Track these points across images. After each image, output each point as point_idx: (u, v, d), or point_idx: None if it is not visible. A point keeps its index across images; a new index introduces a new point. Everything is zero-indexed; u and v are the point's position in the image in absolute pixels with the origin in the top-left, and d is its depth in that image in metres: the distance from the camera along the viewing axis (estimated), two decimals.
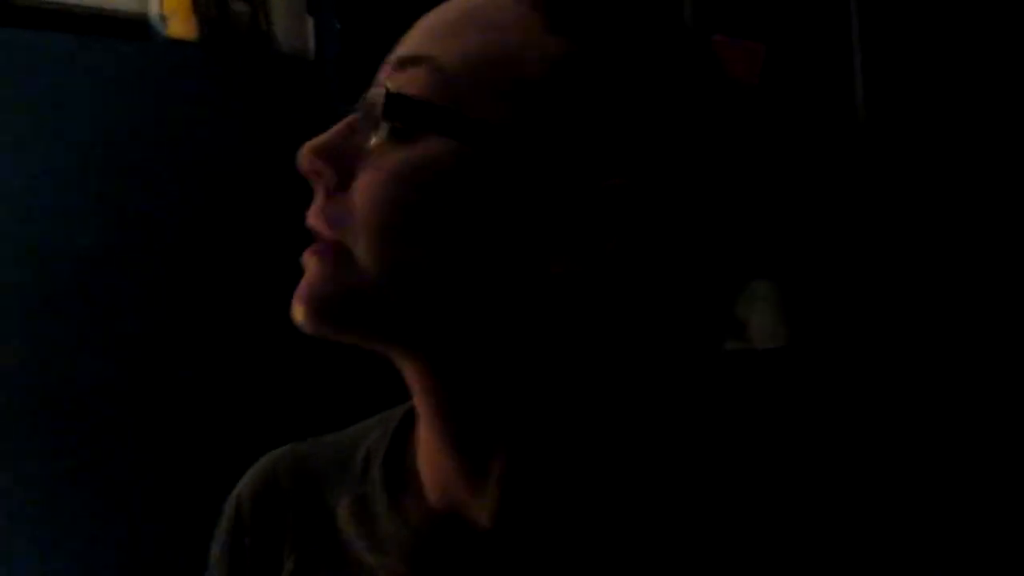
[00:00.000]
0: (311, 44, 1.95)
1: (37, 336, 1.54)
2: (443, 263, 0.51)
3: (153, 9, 1.72)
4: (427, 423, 0.56)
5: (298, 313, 0.53)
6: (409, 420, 0.61)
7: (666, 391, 0.57)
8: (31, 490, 1.51)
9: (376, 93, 0.53)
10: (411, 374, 0.56)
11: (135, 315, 1.63)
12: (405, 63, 0.53)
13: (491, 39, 0.52)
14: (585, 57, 0.52)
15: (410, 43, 0.55)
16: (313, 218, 0.54)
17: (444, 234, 0.51)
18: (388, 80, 0.53)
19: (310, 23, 1.95)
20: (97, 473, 1.57)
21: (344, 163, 0.53)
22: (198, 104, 1.72)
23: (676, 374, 0.57)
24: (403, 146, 0.51)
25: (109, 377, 1.60)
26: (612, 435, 0.56)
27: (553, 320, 0.52)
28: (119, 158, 1.65)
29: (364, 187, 0.52)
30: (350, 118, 0.54)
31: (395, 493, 0.59)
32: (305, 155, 0.53)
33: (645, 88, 0.53)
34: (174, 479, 1.61)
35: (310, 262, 0.54)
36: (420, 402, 0.56)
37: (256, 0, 1.86)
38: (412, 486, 0.58)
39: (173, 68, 1.71)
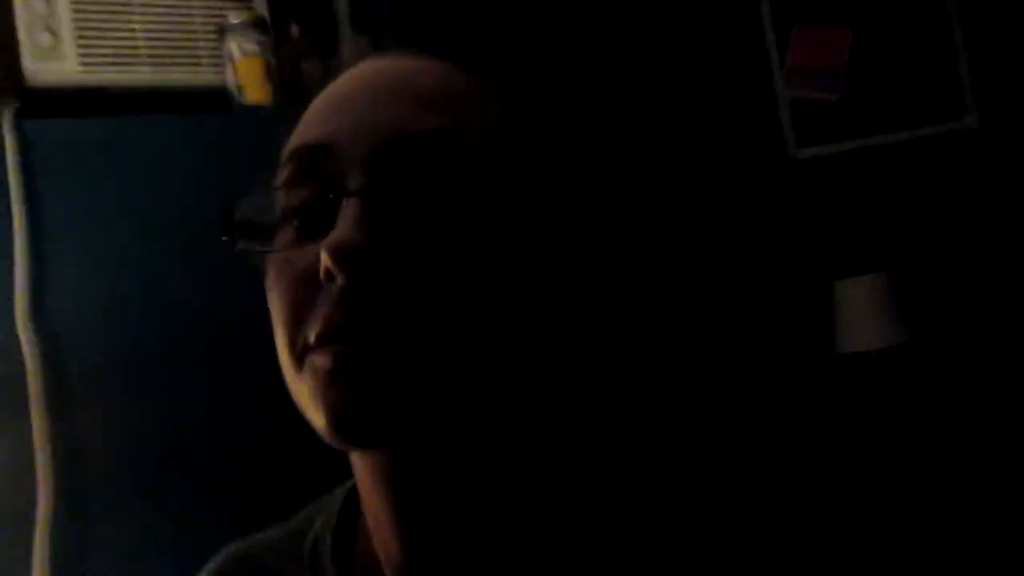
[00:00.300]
0: None
1: (156, 391, 1.63)
2: (506, 354, 0.49)
3: (229, 80, 1.79)
4: (381, 506, 0.53)
5: (338, 430, 0.47)
6: (351, 501, 0.59)
7: (642, 464, 0.56)
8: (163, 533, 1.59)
9: (397, 175, 0.48)
10: (372, 465, 0.53)
11: (229, 367, 1.71)
12: (421, 140, 0.49)
13: (482, 111, 0.51)
14: (527, 128, 0.53)
15: (397, 118, 0.50)
16: (343, 321, 0.47)
17: (511, 323, 0.48)
18: (400, 161, 0.49)
19: None
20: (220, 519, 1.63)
21: (378, 261, 0.47)
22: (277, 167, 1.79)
23: (655, 446, 0.56)
24: (468, 233, 0.48)
25: (233, 427, 1.67)
26: (574, 501, 0.54)
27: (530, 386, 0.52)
28: (209, 227, 1.72)
29: (430, 286, 0.47)
30: (356, 208, 0.48)
31: None
32: (335, 259, 0.47)
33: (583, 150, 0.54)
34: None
35: (338, 377, 0.47)
36: (374, 487, 0.53)
37: (327, 59, 1.92)
38: (366, 569, 0.56)
39: (252, 135, 1.78)
